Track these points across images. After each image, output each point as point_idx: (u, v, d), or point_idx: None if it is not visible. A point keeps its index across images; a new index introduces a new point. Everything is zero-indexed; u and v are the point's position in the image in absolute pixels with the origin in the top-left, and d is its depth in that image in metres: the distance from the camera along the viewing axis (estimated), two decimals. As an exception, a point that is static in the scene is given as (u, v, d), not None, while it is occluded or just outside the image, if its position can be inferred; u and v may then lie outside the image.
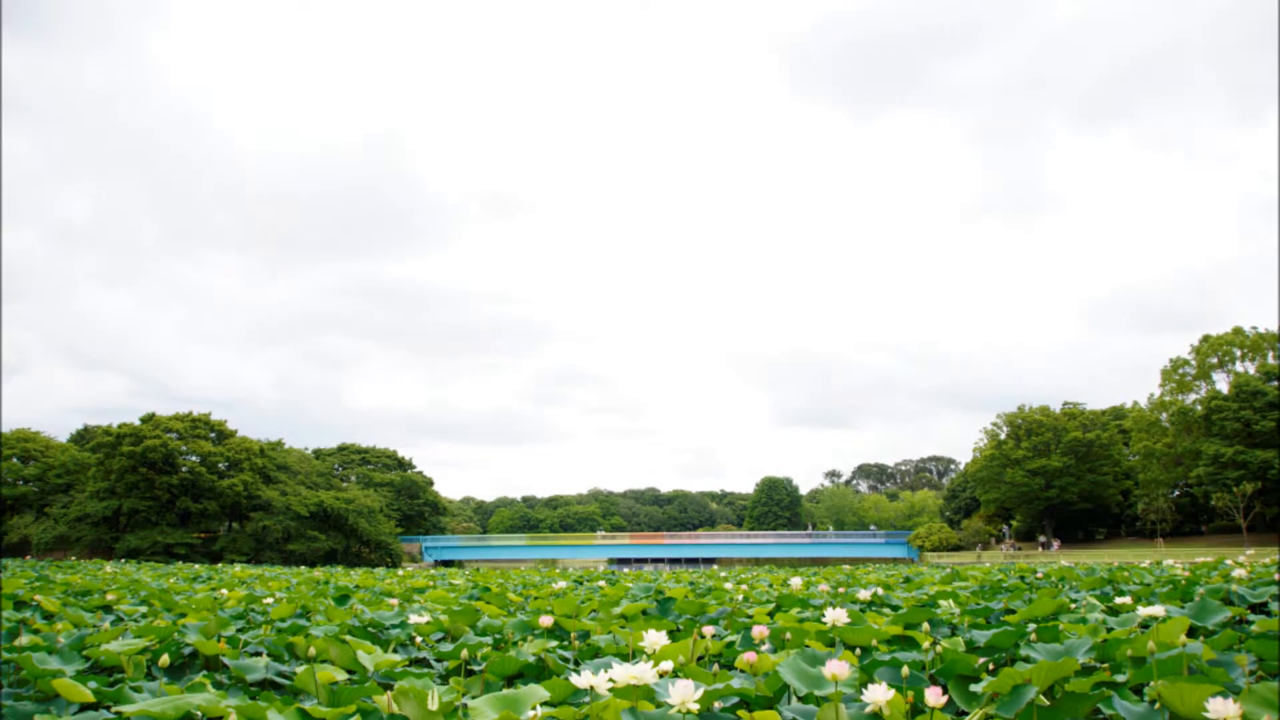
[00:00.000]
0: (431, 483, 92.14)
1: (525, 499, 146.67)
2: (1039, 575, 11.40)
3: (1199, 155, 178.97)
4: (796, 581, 9.28)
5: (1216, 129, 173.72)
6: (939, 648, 4.03)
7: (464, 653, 4.05)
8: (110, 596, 8.66)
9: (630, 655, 4.33)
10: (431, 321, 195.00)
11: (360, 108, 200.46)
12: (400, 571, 25.36)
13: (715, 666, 3.77)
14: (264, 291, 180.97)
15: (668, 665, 3.28)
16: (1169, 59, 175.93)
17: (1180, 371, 64.87)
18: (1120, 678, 3.60)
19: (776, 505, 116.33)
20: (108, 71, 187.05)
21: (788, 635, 4.52)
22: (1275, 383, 59.01)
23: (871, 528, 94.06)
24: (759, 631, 4.17)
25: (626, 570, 26.38)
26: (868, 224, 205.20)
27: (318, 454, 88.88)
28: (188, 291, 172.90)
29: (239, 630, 5.72)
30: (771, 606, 6.73)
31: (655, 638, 3.54)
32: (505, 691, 2.96)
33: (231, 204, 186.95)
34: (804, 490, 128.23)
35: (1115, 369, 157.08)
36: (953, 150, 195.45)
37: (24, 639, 4.76)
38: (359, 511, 69.48)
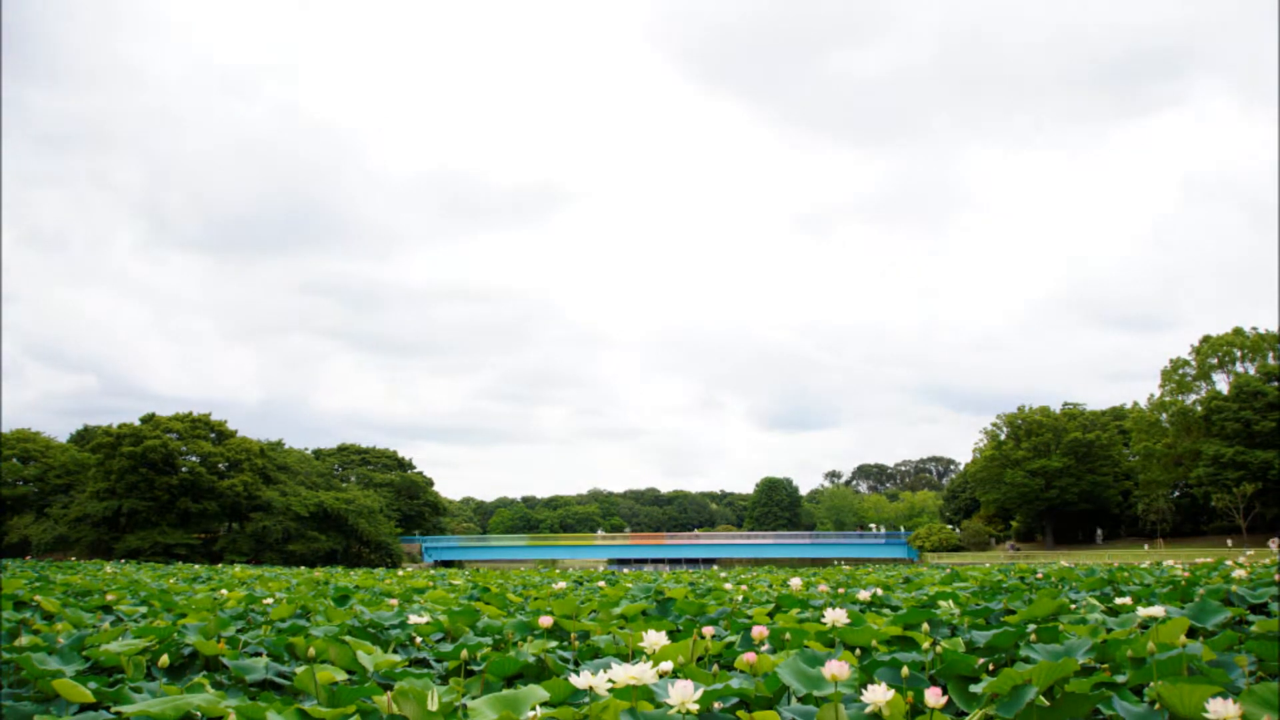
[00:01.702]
0: (431, 483, 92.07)
1: (525, 499, 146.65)
2: (1039, 576, 11.40)
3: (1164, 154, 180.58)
4: (796, 582, 9.27)
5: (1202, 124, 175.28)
6: (939, 648, 4.03)
7: (464, 653, 4.05)
8: (110, 597, 8.65)
9: (630, 656, 4.33)
10: (424, 322, 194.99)
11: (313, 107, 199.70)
12: (400, 572, 25.35)
13: (715, 667, 3.77)
14: (236, 292, 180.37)
15: (667, 666, 3.28)
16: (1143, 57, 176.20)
17: (1180, 372, 64.85)
18: (1120, 678, 3.60)
19: (776, 506, 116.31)
20: (64, 77, 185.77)
21: (787, 636, 4.52)
22: (1275, 383, 59.00)
23: (877, 529, 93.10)
24: (759, 632, 4.17)
25: (626, 570, 26.37)
26: (856, 230, 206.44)
27: (318, 454, 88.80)
28: (153, 293, 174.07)
29: (239, 631, 5.73)
30: (771, 607, 6.72)
31: (655, 638, 3.54)
32: (505, 692, 2.96)
33: (196, 206, 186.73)
34: (804, 491, 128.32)
35: (1107, 370, 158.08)
36: (923, 154, 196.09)
37: (24, 639, 4.76)
38: (359, 512, 69.44)
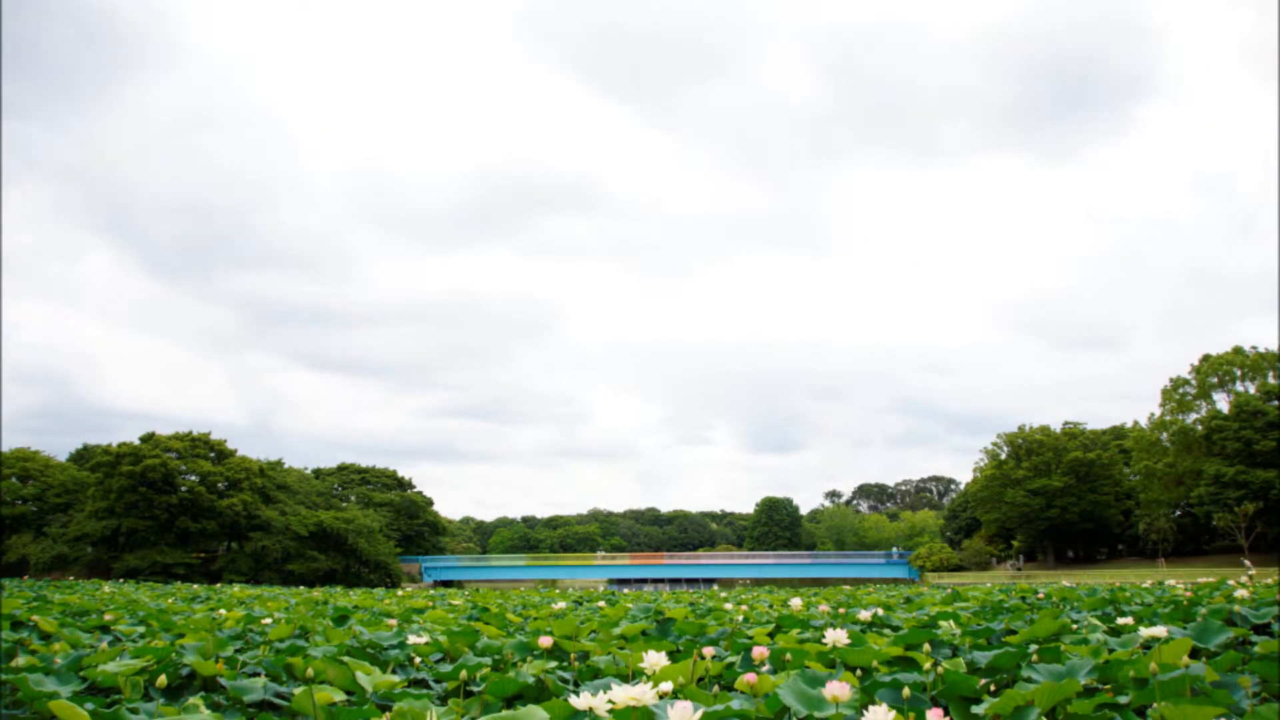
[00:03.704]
0: (431, 503, 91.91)
1: (525, 519, 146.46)
2: (1040, 596, 11.35)
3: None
4: (797, 602, 9.24)
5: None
6: (940, 669, 4.01)
7: (463, 674, 4.03)
8: (108, 617, 8.62)
9: (630, 676, 4.32)
10: (408, 340, 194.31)
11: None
12: (399, 592, 25.26)
13: (715, 688, 3.75)
14: (204, 311, 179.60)
15: (667, 686, 3.26)
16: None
17: (1180, 391, 64.87)
18: (1123, 699, 3.58)
19: (777, 525, 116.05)
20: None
21: (788, 656, 4.50)
22: (1275, 402, 59.01)
23: (894, 551, 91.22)
24: (759, 652, 4.15)
25: (626, 590, 26.30)
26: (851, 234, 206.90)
27: (317, 473, 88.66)
28: (115, 310, 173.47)
29: (237, 651, 5.70)
30: (772, 627, 6.70)
31: (655, 658, 3.52)
32: (504, 713, 2.94)
33: (160, 221, 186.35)
34: (804, 510, 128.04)
35: (1063, 392, 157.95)
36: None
37: (21, 659, 4.74)
38: (358, 531, 69.26)
